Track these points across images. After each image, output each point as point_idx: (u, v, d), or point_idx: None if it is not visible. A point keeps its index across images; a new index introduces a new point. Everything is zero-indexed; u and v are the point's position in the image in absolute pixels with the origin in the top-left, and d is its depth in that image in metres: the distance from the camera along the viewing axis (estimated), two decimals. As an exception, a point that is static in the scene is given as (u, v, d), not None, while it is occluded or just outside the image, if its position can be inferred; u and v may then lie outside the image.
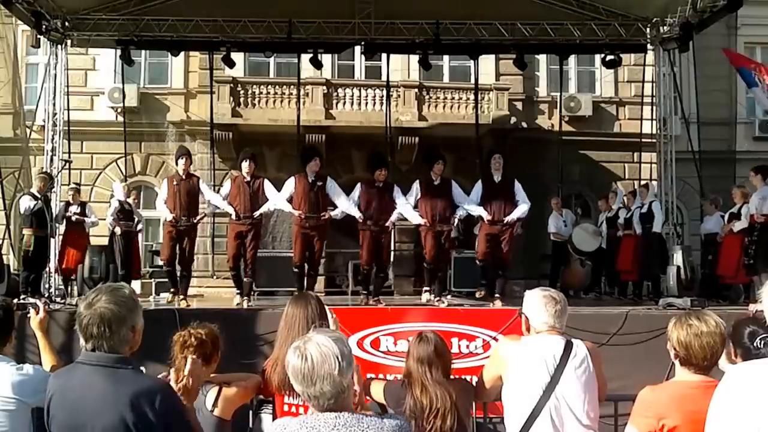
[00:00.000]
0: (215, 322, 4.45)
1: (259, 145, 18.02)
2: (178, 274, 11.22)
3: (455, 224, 11.31)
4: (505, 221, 10.83)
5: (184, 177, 11.05)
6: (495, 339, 9.20)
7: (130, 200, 13.02)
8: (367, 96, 18.79)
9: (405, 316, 9.84)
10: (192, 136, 19.19)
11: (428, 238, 11.00)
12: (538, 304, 4.04)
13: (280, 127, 17.87)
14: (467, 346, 9.50)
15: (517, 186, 11.05)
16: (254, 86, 18.78)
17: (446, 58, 19.52)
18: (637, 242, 13.21)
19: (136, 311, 3.05)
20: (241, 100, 18.66)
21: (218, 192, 11.38)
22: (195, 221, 11.06)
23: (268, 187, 11.05)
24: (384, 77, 17.41)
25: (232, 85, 18.50)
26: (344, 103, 18.84)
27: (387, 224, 10.99)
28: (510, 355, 4.03)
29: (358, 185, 11.12)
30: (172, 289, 11.28)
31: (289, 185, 10.98)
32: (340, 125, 18.46)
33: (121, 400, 2.80)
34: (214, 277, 16.29)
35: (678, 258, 11.23)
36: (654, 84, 15.47)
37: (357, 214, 10.84)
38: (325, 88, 18.73)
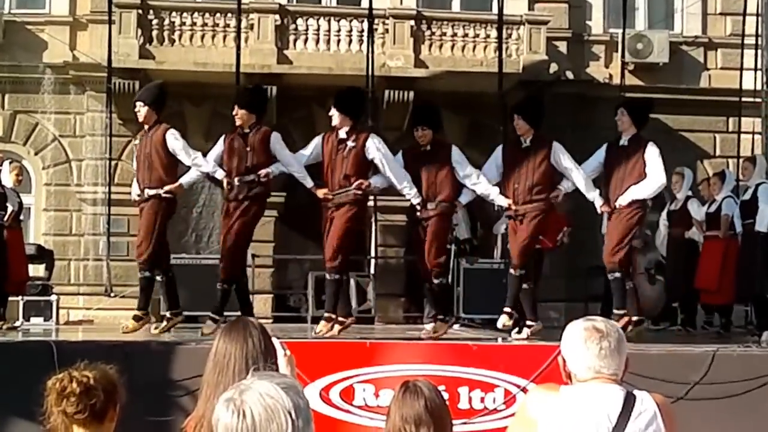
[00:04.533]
0: (112, 361, 4.44)
1: (180, 101, 17.96)
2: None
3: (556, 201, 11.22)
4: (617, 206, 10.91)
5: (146, 131, 11.09)
6: (524, 390, 9.23)
7: (9, 181, 12.91)
8: (339, 31, 18.74)
9: (391, 354, 9.86)
10: (80, 85, 19.07)
11: (512, 229, 11.10)
12: (576, 340, 4.04)
13: (210, 75, 17.80)
14: (482, 400, 9.53)
15: (650, 153, 11.02)
16: (173, 14, 18.70)
17: (456, -25, 19.65)
18: (729, 247, 13.26)
19: None
20: (154, 33, 18.58)
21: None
22: (164, 191, 10.92)
23: (275, 142, 11.08)
24: (365, 3, 17.38)
25: (140, 11, 18.42)
26: (306, 41, 18.79)
27: (455, 206, 11.06)
28: (543, 413, 4.04)
29: (399, 154, 11.17)
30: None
31: (312, 147, 11.10)
32: (299, 73, 18.41)
33: None
34: (111, 293, 16.20)
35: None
36: (760, 18, 15.54)
37: (416, 198, 10.86)
38: (277, 18, 18.68)
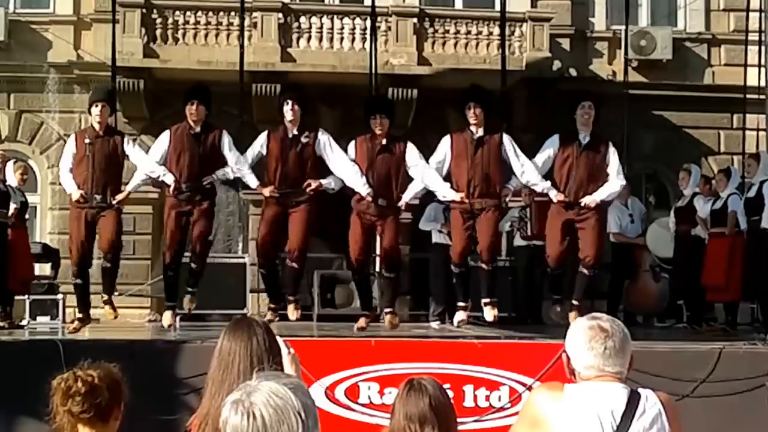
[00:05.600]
0: (117, 359, 4.44)
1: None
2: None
3: (505, 202, 11.18)
4: (582, 203, 10.70)
5: (101, 133, 10.91)
6: (530, 388, 9.23)
7: (14, 180, 12.92)
8: (342, 29, 18.74)
9: (396, 352, 9.84)
10: (84, 84, 19.06)
11: (457, 222, 10.89)
12: (581, 339, 4.03)
13: (214, 73, 17.77)
14: (487, 398, 9.52)
15: (612, 153, 11.00)
16: (177, 13, 18.69)
17: (460, -27, 19.65)
18: (735, 244, 13.24)
19: None
20: (158, 32, 18.58)
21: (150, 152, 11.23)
22: (115, 201, 10.88)
23: (226, 144, 10.96)
24: (368, 1, 17.36)
25: (144, 10, 18.42)
26: (309, 39, 18.79)
27: (399, 203, 10.91)
28: (548, 411, 4.03)
29: (351, 144, 11.06)
30: (78, 314, 11.10)
31: (259, 142, 10.98)
32: (302, 71, 18.39)
33: None
34: (116, 292, 16.20)
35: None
36: (763, 14, 15.49)
37: (364, 189, 10.73)
38: (280, 16, 18.68)
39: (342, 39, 18.75)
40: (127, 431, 4.37)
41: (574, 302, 11.03)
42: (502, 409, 9.43)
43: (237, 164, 10.90)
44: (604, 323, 4.05)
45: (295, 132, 10.78)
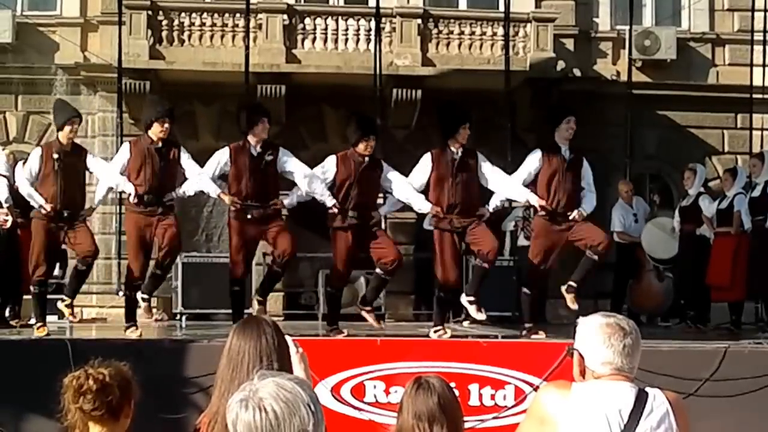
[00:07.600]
0: (125, 358, 4.46)
1: (190, 100, 18.00)
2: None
3: (487, 216, 11.17)
4: (571, 217, 10.80)
5: (68, 149, 11.01)
6: (535, 387, 9.22)
7: None
8: (347, 30, 18.73)
9: (401, 351, 9.85)
10: (91, 86, 19.10)
11: (445, 240, 10.87)
12: (597, 336, 4.03)
13: (219, 75, 17.82)
14: (492, 397, 9.52)
15: (586, 167, 11.15)
16: (183, 15, 18.70)
17: (464, -26, 19.61)
18: (740, 243, 13.24)
19: None
20: (164, 34, 18.59)
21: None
22: (81, 216, 11.05)
23: (185, 158, 11.09)
24: (372, 2, 17.36)
25: (150, 12, 18.42)
26: (314, 40, 18.78)
27: (374, 217, 11.00)
28: (556, 410, 4.03)
29: (331, 158, 11.13)
30: (38, 323, 11.15)
31: (221, 158, 11.07)
32: (307, 72, 18.41)
33: None
34: (120, 293, 16.23)
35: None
36: None
37: (330, 200, 10.85)
38: (285, 17, 18.68)
39: (346, 40, 18.75)
40: (136, 429, 4.38)
41: (572, 283, 11.01)
42: (507, 408, 9.44)
43: (198, 177, 10.98)
44: (621, 321, 4.06)
45: (259, 150, 10.93)
